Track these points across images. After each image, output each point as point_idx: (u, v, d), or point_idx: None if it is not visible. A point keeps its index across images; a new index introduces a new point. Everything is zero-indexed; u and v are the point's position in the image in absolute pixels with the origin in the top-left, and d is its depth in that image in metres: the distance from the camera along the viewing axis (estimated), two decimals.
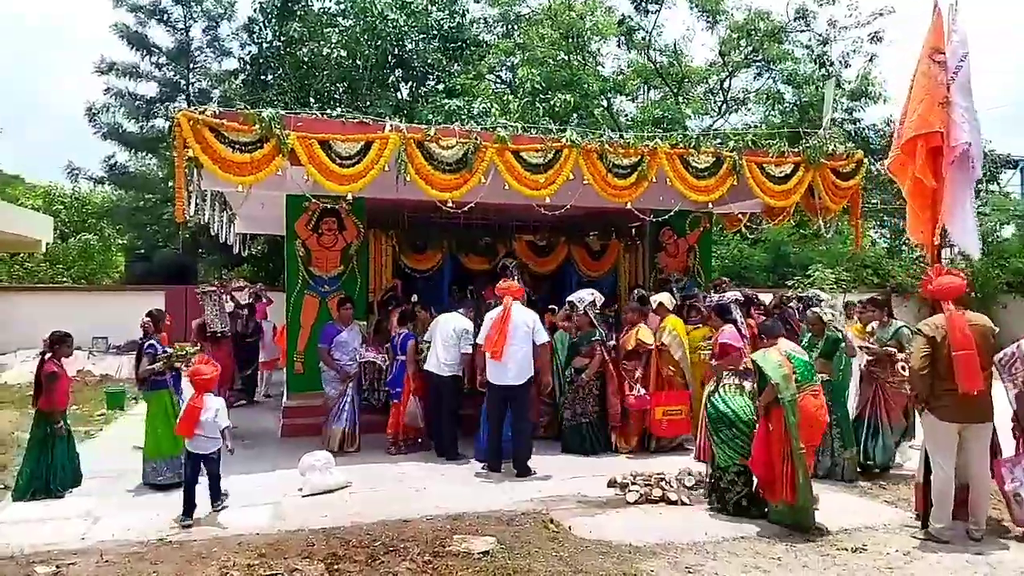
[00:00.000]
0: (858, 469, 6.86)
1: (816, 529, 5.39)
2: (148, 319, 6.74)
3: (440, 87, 19.10)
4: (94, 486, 6.40)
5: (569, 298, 7.96)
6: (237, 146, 6.75)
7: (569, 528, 5.40)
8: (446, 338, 7.53)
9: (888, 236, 25.82)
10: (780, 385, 5.31)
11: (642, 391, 7.64)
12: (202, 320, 8.82)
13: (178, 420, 5.92)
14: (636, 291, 9.18)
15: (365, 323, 8.49)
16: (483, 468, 6.94)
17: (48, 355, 6.33)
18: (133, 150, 20.72)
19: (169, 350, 6.71)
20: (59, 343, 6.40)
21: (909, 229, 6.03)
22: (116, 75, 20.19)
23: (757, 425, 5.64)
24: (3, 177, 30.84)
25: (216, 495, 5.82)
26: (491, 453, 6.98)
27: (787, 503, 5.35)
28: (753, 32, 20.63)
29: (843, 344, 6.88)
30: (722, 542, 5.19)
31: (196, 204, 7.90)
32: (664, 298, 8.25)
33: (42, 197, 24.25)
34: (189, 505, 5.52)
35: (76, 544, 5.03)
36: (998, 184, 25.14)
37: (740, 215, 10.35)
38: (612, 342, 7.95)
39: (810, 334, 6.95)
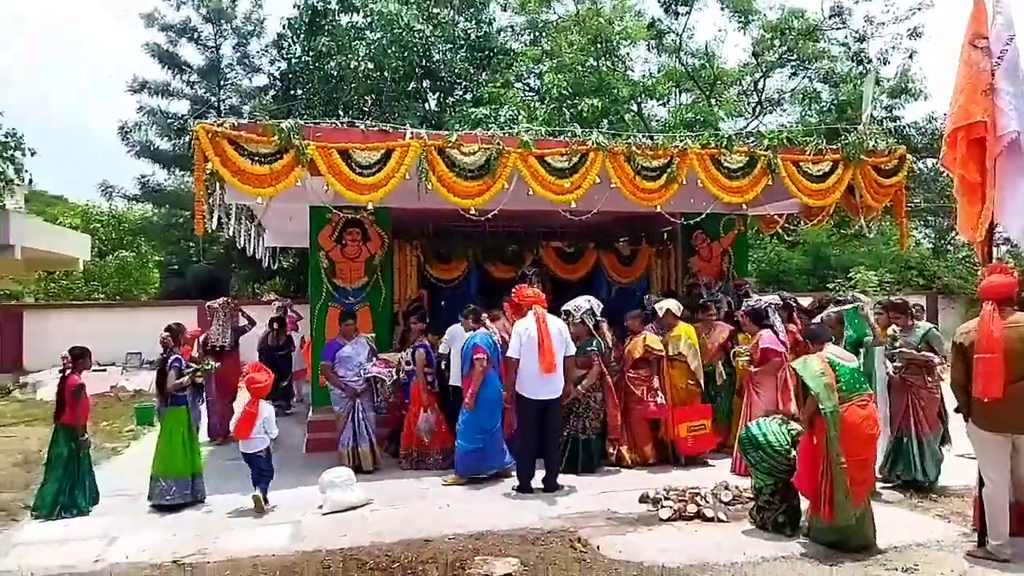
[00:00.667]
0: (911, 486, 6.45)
1: (863, 547, 5.04)
2: (167, 334, 6.69)
3: (468, 96, 19.01)
4: (115, 504, 6.31)
5: (564, 307, 7.50)
6: (256, 158, 6.67)
7: (597, 548, 5.12)
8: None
9: (932, 236, 25.07)
10: (821, 395, 4.97)
11: (662, 399, 7.33)
12: (206, 334, 8.86)
13: (235, 423, 6.29)
14: (648, 297, 8.79)
15: (374, 335, 8.22)
16: (515, 489, 6.63)
17: (69, 370, 6.30)
18: (166, 167, 21.02)
19: (192, 365, 6.67)
20: (81, 357, 6.38)
21: (959, 226, 5.64)
22: (148, 93, 20.50)
23: (791, 450, 5.35)
24: (46, 199, 31.69)
25: (265, 487, 6.20)
26: (525, 473, 6.65)
27: (826, 521, 5.01)
28: (787, 31, 20.16)
29: (868, 338, 6.57)
30: (761, 563, 4.86)
31: (220, 218, 7.87)
32: (671, 305, 7.81)
33: (80, 216, 24.74)
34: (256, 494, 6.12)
35: (89, 567, 4.92)
36: None
37: (777, 216, 9.99)
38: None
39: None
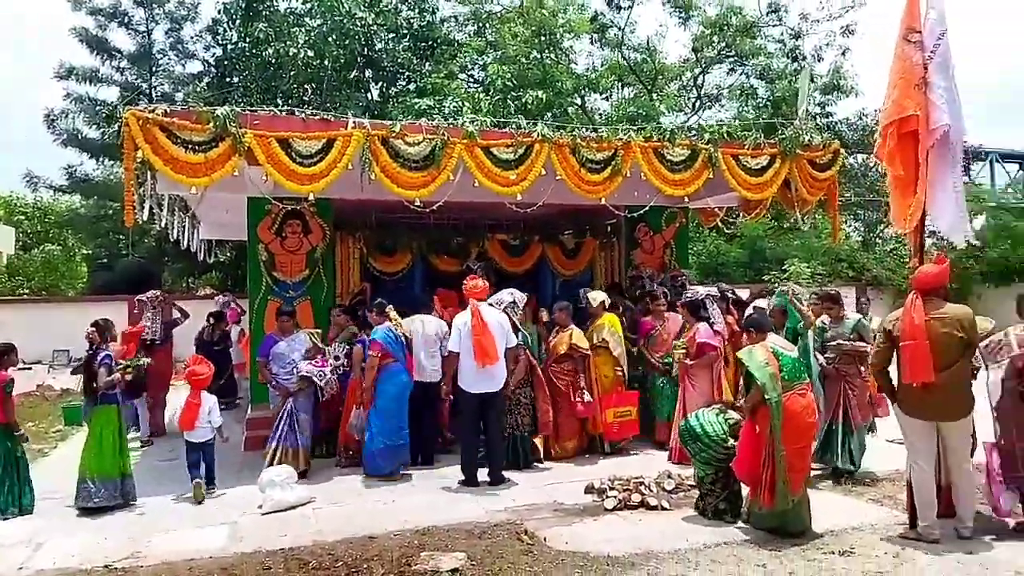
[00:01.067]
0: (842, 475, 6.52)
1: (800, 532, 5.17)
2: (94, 329, 6.37)
3: (411, 87, 18.80)
4: (42, 508, 6.01)
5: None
6: (190, 146, 6.43)
7: (544, 539, 5.12)
8: (429, 343, 7.24)
9: (862, 229, 25.97)
10: (766, 385, 5.06)
11: (589, 397, 7.29)
12: (141, 328, 8.67)
13: (180, 414, 6.51)
14: (582, 291, 8.73)
15: (319, 331, 7.80)
16: (460, 483, 6.56)
17: None
18: (94, 157, 20.16)
19: (122, 362, 6.41)
20: (6, 354, 6.09)
21: (892, 216, 5.77)
22: (76, 80, 19.62)
23: (727, 439, 5.46)
24: None
25: (211, 479, 6.44)
26: (469, 467, 6.59)
27: (766, 507, 5.12)
28: (726, 27, 20.61)
29: (800, 325, 6.81)
30: (704, 549, 4.94)
31: (151, 209, 7.59)
32: (604, 296, 7.91)
33: (3, 207, 23.57)
34: (199, 479, 6.31)
35: (13, 574, 4.67)
36: (969, 176, 25.35)
37: (716, 209, 10.16)
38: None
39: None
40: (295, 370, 6.98)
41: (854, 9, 20.51)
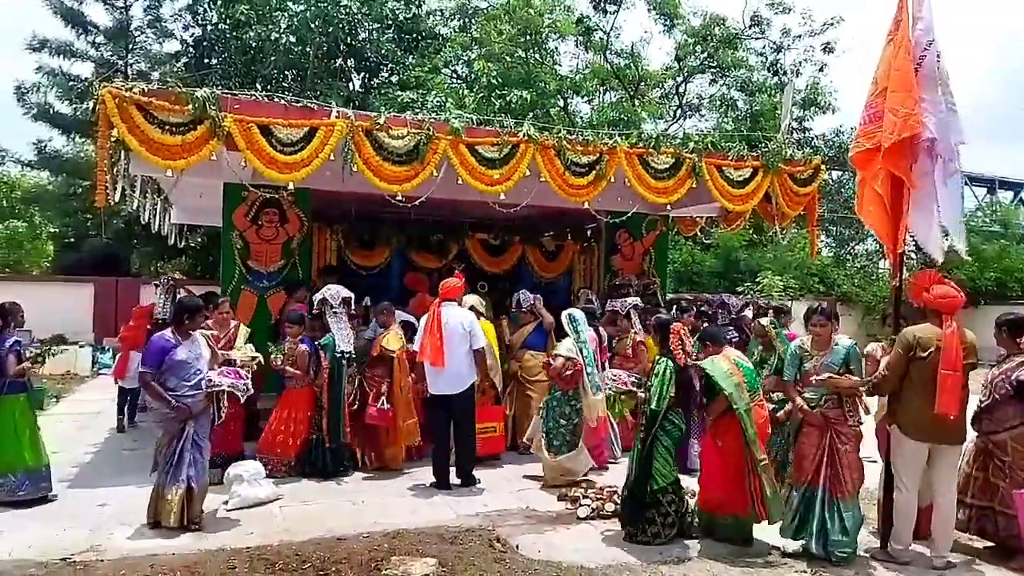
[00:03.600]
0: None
1: (765, 544, 5.16)
2: None
3: (394, 79, 18.62)
4: None
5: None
6: (167, 127, 6.22)
7: (516, 547, 5.03)
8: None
9: (834, 245, 26.31)
10: (733, 395, 4.99)
11: (387, 405, 6.76)
12: (151, 305, 8.97)
13: (115, 367, 8.08)
14: (523, 293, 8.25)
15: (212, 332, 6.25)
16: (431, 485, 6.44)
17: None
18: (65, 132, 19.61)
19: (32, 349, 6.18)
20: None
21: (881, 237, 5.45)
22: (49, 53, 19.03)
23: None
24: None
25: (133, 417, 8.49)
26: (440, 469, 6.47)
27: (745, 518, 5.05)
28: (709, 37, 20.67)
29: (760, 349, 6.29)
30: (678, 564, 4.89)
31: (123, 190, 7.37)
32: (474, 300, 7.27)
33: None
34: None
35: None
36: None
37: (697, 219, 10.18)
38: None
39: (760, 346, 6.34)
40: (204, 383, 5.34)
41: (834, 25, 20.74)
